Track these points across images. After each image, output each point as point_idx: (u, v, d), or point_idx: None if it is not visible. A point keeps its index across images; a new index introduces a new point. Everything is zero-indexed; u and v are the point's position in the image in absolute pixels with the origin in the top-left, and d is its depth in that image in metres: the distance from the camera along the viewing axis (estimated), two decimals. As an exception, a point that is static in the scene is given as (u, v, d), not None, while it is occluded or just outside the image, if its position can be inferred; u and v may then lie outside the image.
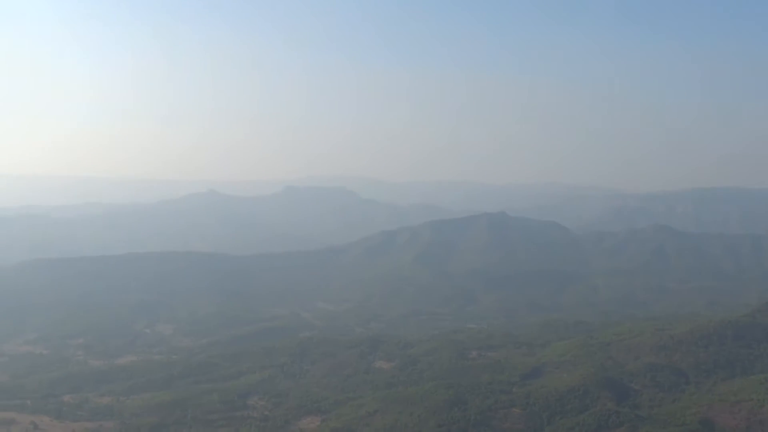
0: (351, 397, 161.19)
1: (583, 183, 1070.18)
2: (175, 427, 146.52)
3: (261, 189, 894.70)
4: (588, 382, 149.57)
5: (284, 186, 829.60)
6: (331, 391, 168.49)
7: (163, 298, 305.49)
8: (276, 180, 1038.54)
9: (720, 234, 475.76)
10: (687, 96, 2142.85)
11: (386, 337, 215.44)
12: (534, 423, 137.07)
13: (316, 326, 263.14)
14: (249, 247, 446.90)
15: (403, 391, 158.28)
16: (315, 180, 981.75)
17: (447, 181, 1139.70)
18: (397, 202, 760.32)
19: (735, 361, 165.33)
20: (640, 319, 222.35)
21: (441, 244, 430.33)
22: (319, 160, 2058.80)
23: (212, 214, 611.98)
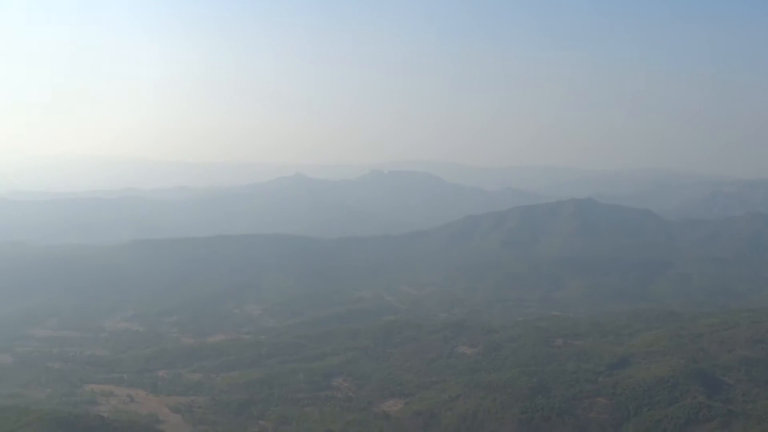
0: (434, 381, 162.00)
1: (678, 169, 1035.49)
2: (262, 404, 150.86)
3: (347, 173, 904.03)
4: (677, 373, 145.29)
5: (370, 170, 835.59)
6: (413, 375, 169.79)
7: (252, 280, 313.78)
8: (362, 164, 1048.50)
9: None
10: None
11: (470, 322, 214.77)
12: (620, 413, 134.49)
13: (399, 310, 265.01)
14: (335, 230, 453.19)
15: (486, 376, 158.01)
16: (400, 165, 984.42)
17: (536, 166, 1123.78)
18: (483, 187, 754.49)
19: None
20: (735, 311, 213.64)
21: (527, 229, 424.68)
22: (405, 146, 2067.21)
23: (299, 197, 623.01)
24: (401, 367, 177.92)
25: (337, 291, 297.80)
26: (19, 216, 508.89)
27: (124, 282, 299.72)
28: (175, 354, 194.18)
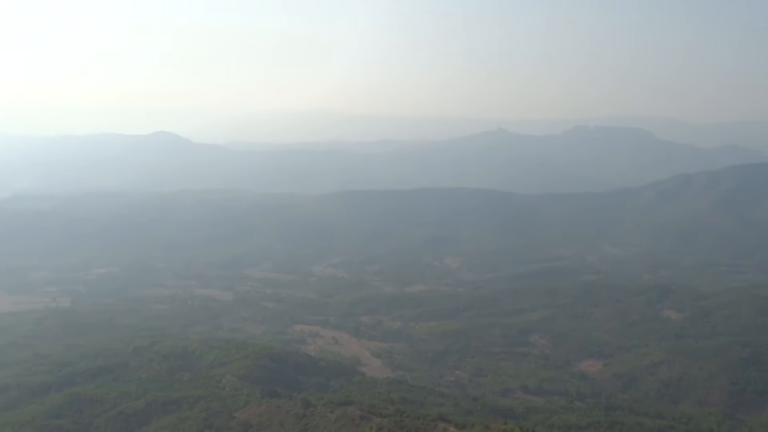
0: (635, 345, 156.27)
1: None
2: (458, 355, 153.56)
3: (550, 128, 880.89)
4: None
5: (574, 125, 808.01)
6: (614, 336, 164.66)
7: (452, 233, 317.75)
8: (566, 119, 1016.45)
9: None
10: None
11: (677, 286, 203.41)
12: None
13: (601, 270, 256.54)
14: (536, 187, 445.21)
15: (692, 343, 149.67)
16: (607, 120, 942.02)
17: (759, 121, 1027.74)
18: (698, 144, 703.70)
19: None
20: None
21: (745, 190, 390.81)
22: (615, 100, 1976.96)
23: (500, 152, 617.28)
24: (601, 327, 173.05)
25: (537, 248, 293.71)
26: (239, 165, 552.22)
27: (330, 230, 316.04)
28: (377, 301, 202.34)
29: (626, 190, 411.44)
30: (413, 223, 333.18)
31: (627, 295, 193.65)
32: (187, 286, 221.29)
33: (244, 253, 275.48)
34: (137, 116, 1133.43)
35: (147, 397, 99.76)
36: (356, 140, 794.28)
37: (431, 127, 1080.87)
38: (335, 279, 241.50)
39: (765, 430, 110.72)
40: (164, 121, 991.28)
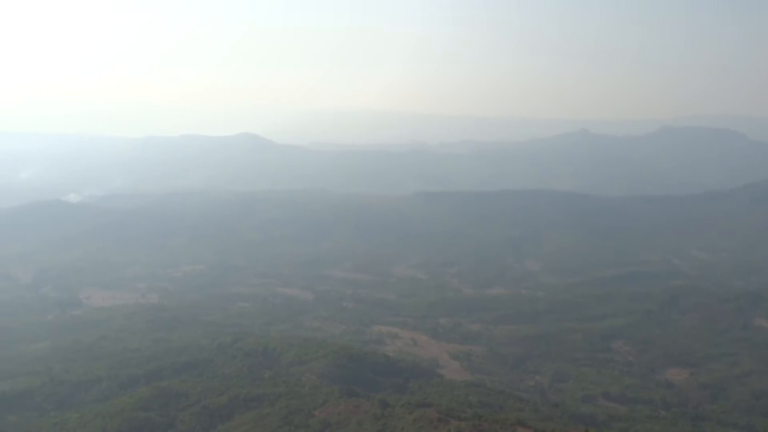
0: (724, 354, 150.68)
1: None
2: (538, 360, 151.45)
3: (635, 129, 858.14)
4: None
5: (660, 126, 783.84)
6: (701, 344, 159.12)
7: (532, 235, 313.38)
8: (652, 119, 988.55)
9: None
10: None
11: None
12: None
13: (688, 275, 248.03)
14: (620, 189, 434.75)
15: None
16: (695, 120, 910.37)
17: None
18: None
19: None
20: None
21: None
22: (701, 98, 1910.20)
23: (583, 153, 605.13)
24: (687, 335, 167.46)
25: (621, 251, 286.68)
26: (320, 165, 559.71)
27: (410, 231, 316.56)
28: (456, 303, 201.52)
29: (716, 192, 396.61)
30: (493, 225, 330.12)
31: (716, 302, 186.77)
32: (269, 285, 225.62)
33: (325, 252, 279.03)
34: (217, 116, 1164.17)
35: (230, 393, 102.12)
36: (437, 141, 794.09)
37: (513, 128, 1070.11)
38: (414, 280, 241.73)
39: None
40: (244, 120, 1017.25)
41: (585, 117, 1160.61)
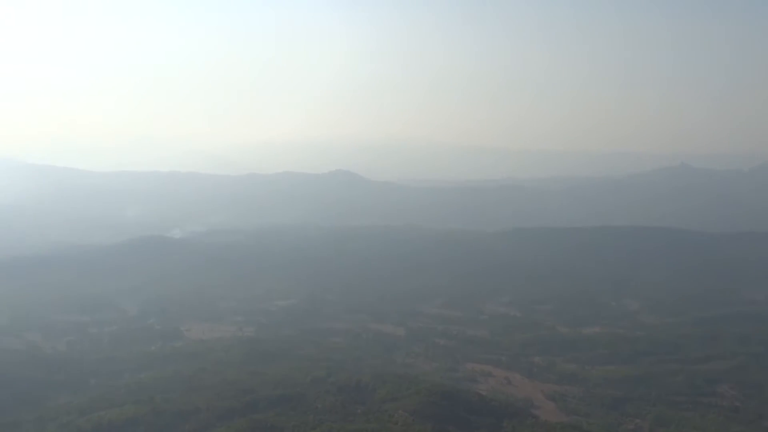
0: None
1: None
2: (638, 402, 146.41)
3: (739, 163, 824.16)
4: None
5: (764, 160, 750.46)
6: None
7: (631, 273, 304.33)
8: (756, 153, 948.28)
9: None
10: None
11: None
12: None
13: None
14: (722, 225, 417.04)
15: None
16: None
17: None
18: None
19: None
20: None
21: None
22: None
23: (684, 188, 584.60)
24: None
25: (726, 290, 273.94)
26: (411, 200, 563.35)
27: (503, 267, 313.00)
28: (551, 342, 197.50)
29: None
30: (589, 262, 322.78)
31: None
32: (361, 320, 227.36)
33: (417, 288, 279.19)
34: (313, 153, 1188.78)
35: (323, 428, 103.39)
36: (530, 176, 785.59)
37: (608, 163, 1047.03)
38: (507, 317, 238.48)
39: None
40: (338, 157, 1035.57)
41: (686, 150, 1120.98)
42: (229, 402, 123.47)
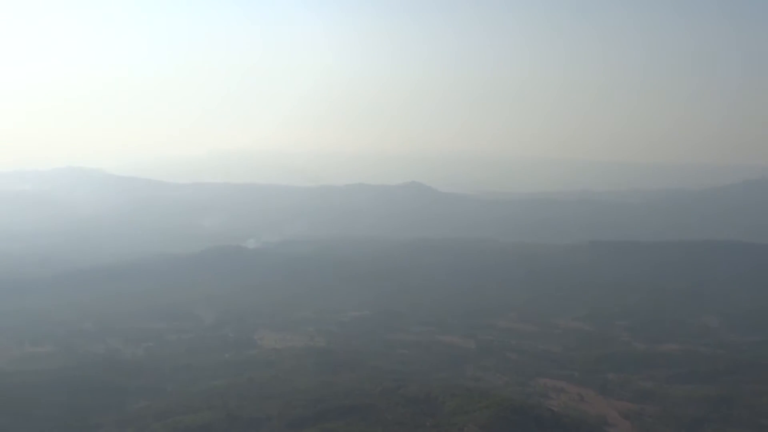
0: None
1: None
2: (719, 423, 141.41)
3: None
4: None
5: None
6: None
7: (710, 288, 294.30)
8: None
9: None
10: None
11: None
12: None
13: None
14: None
15: None
16: None
17: None
18: None
19: None
20: None
21: None
22: None
23: (765, 202, 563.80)
24: None
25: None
26: (483, 213, 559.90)
27: (577, 281, 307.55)
28: (626, 358, 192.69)
29: None
30: (668, 277, 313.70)
31: None
32: (431, 332, 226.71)
33: (488, 301, 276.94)
34: (385, 165, 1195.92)
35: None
36: (605, 189, 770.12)
37: (687, 176, 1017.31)
38: (581, 332, 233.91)
39: None
40: (409, 169, 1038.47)
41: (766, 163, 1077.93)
42: (300, 410, 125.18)
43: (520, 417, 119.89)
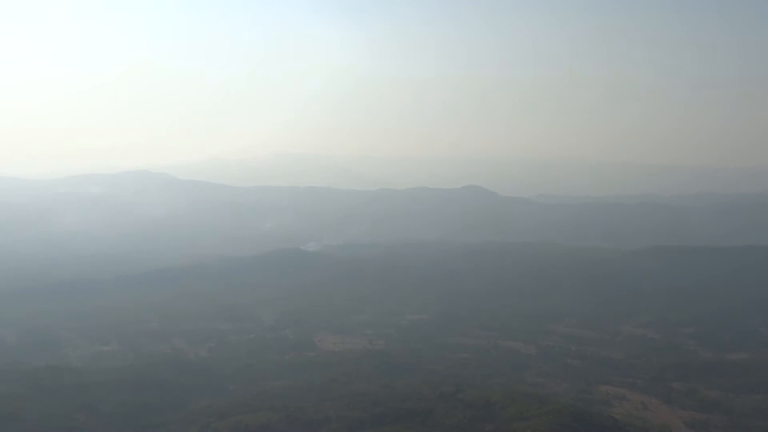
0: None
1: None
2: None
3: None
4: None
5: None
6: None
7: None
8: None
9: None
10: None
11: None
12: None
13: None
14: None
15: None
16: None
17: None
18: None
19: None
20: None
21: None
22: None
23: None
24: None
25: None
26: (546, 217, 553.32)
27: (642, 287, 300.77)
28: (692, 367, 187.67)
29: None
30: (736, 284, 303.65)
31: None
32: (491, 337, 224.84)
33: (550, 307, 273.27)
34: (444, 168, 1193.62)
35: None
36: (672, 193, 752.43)
37: (759, 179, 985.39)
38: (645, 340, 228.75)
39: None
40: (468, 172, 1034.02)
41: None
42: (359, 413, 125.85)
43: (581, 424, 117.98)
